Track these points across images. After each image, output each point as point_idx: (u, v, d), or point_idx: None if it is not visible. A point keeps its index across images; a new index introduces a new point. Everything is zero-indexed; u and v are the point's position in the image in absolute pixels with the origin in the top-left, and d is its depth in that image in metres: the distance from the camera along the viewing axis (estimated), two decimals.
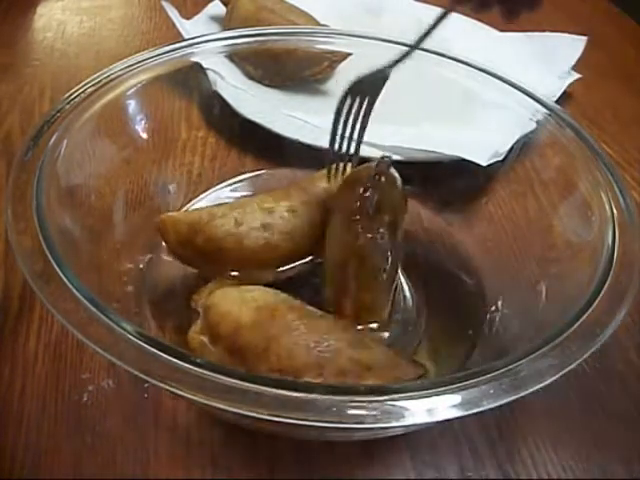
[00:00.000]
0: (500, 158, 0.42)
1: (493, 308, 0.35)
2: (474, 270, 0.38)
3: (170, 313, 0.34)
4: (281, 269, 0.37)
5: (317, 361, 0.28)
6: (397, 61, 0.35)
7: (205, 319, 0.31)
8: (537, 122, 0.37)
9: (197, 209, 0.39)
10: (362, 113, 0.36)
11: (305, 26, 0.54)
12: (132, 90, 0.37)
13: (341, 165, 0.38)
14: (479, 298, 0.36)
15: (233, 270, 0.35)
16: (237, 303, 0.30)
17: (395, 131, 0.46)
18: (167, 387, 0.21)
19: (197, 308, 0.32)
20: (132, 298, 0.33)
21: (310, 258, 0.37)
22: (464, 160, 0.42)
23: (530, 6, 0.34)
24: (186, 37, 0.50)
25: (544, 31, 0.65)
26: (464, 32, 0.64)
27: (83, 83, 0.34)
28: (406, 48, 0.35)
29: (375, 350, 0.30)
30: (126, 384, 0.32)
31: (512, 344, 0.33)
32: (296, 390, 0.21)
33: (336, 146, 0.37)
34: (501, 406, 0.21)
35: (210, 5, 0.63)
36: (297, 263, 0.37)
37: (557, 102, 0.40)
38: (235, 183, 0.44)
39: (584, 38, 0.61)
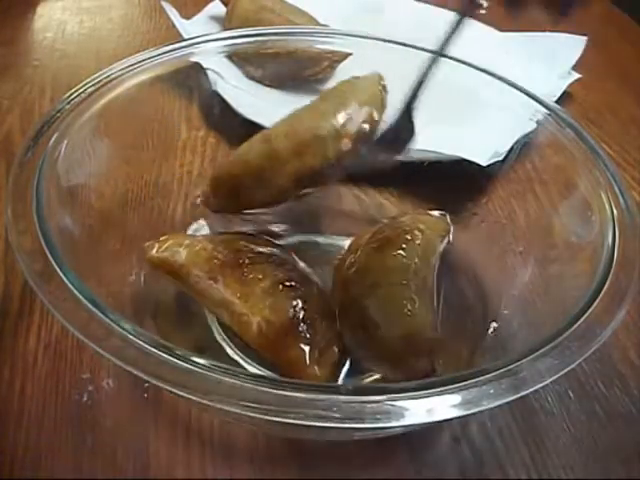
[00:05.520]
0: (500, 158, 0.41)
1: (493, 308, 0.35)
2: (474, 270, 0.38)
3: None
4: None
5: None
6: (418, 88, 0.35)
7: None
8: (537, 122, 0.37)
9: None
10: None
11: (305, 26, 0.54)
12: (132, 90, 0.37)
13: None
14: (479, 298, 0.36)
15: None
16: None
17: None
18: (167, 387, 0.21)
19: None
20: (132, 298, 0.33)
21: None
22: (464, 160, 0.42)
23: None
24: (186, 37, 0.50)
25: (544, 31, 0.65)
26: (464, 32, 0.64)
27: (83, 83, 0.34)
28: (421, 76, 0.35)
29: None
30: (126, 384, 0.32)
31: (512, 344, 0.33)
32: (296, 390, 0.21)
33: None
34: (501, 406, 0.21)
35: (210, 5, 0.63)
36: None
37: (557, 102, 0.40)
38: None
39: (584, 38, 0.61)
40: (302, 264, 0.36)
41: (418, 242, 0.35)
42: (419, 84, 0.35)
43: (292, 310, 0.31)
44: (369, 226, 0.38)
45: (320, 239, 0.41)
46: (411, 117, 0.35)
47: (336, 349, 0.31)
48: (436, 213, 0.40)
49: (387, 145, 0.36)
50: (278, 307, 0.31)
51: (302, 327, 0.30)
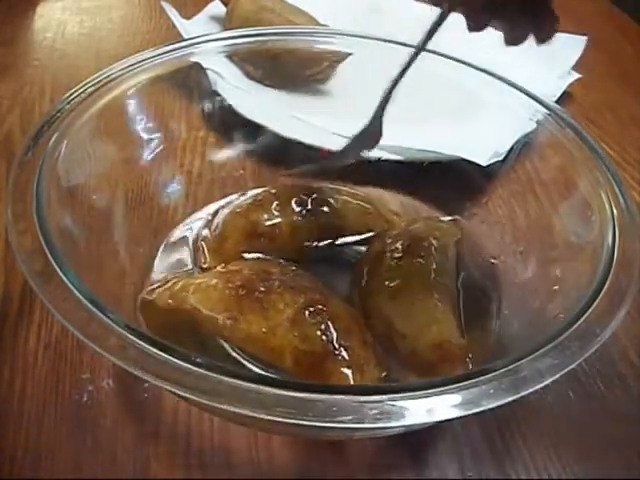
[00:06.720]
0: (500, 158, 0.42)
1: (493, 308, 0.35)
2: (474, 270, 0.38)
3: None
4: None
5: None
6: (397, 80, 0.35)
7: None
8: (537, 122, 0.37)
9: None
10: None
11: (305, 26, 0.54)
12: (132, 90, 0.37)
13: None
14: (479, 298, 0.36)
15: None
16: None
17: (395, 131, 0.46)
18: (167, 387, 0.21)
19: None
20: (132, 298, 0.33)
21: None
22: (464, 160, 0.42)
23: (539, 26, 0.29)
24: (186, 37, 0.50)
25: None
26: (464, 32, 0.64)
27: (83, 83, 0.34)
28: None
29: None
30: (126, 384, 0.32)
31: (512, 344, 0.33)
32: (296, 390, 0.21)
33: None
34: (501, 406, 0.21)
35: (210, 5, 0.63)
36: None
37: (557, 102, 0.40)
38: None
39: (584, 38, 0.61)
40: (319, 277, 0.35)
41: (434, 248, 0.35)
42: (392, 88, 0.34)
43: (324, 336, 0.29)
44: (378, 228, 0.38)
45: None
46: (381, 121, 0.35)
47: (376, 365, 0.30)
48: (447, 218, 0.41)
49: (355, 147, 0.36)
50: (309, 336, 0.29)
51: (338, 351, 0.29)
